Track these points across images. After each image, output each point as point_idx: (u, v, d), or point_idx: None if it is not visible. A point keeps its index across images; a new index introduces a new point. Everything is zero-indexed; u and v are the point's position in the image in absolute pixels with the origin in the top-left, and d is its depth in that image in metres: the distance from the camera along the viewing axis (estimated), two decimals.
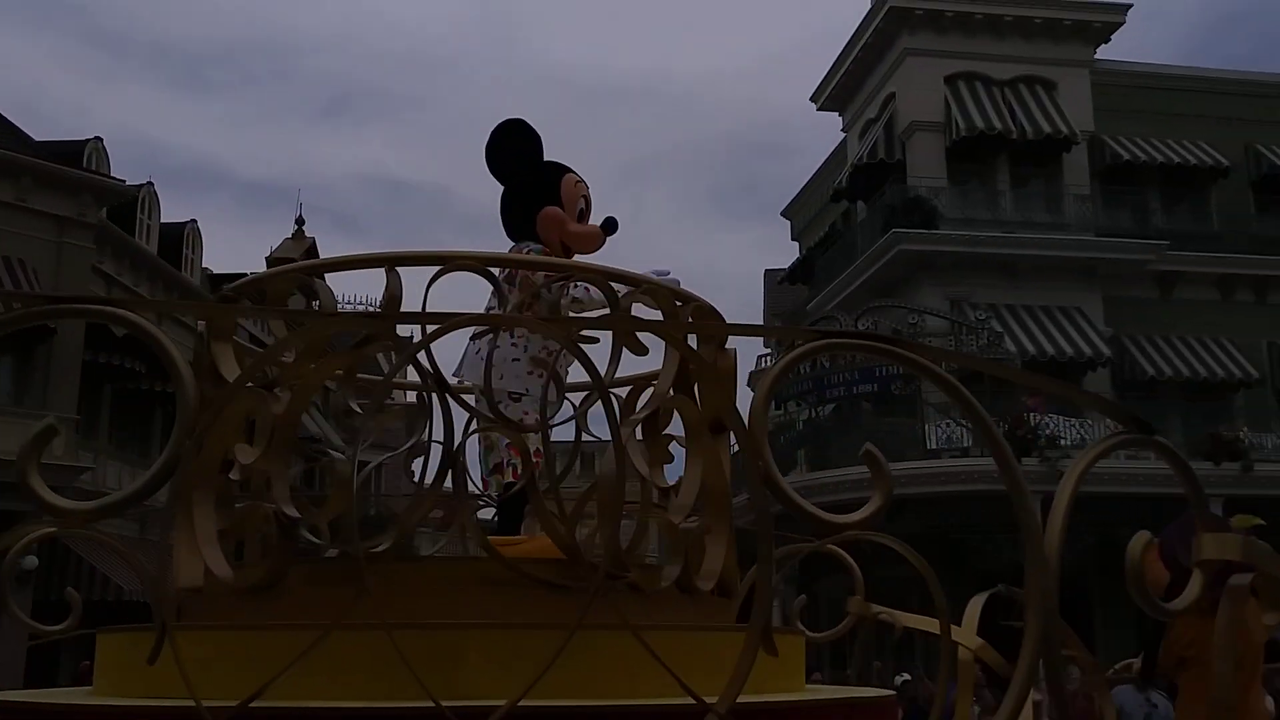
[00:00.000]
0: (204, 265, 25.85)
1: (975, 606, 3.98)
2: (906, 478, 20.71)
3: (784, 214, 34.58)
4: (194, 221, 25.46)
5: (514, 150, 4.16)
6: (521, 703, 2.10)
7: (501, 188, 4.26)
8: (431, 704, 2.19)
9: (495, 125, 4.17)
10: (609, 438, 2.37)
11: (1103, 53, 26.97)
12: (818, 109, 30.49)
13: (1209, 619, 5.02)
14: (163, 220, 24.55)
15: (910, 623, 4.15)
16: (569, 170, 4.22)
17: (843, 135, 30.53)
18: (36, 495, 2.04)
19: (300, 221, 30.50)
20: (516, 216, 4.10)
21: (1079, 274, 25.04)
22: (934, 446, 22.97)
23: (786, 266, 32.37)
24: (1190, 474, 2.45)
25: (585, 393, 3.43)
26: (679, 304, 3.17)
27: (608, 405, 2.80)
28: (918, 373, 2.28)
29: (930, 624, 4.27)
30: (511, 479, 3.68)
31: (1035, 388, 2.49)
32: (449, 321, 2.88)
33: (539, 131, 4.22)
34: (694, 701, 2.22)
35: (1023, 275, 24.82)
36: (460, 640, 2.39)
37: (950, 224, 25.11)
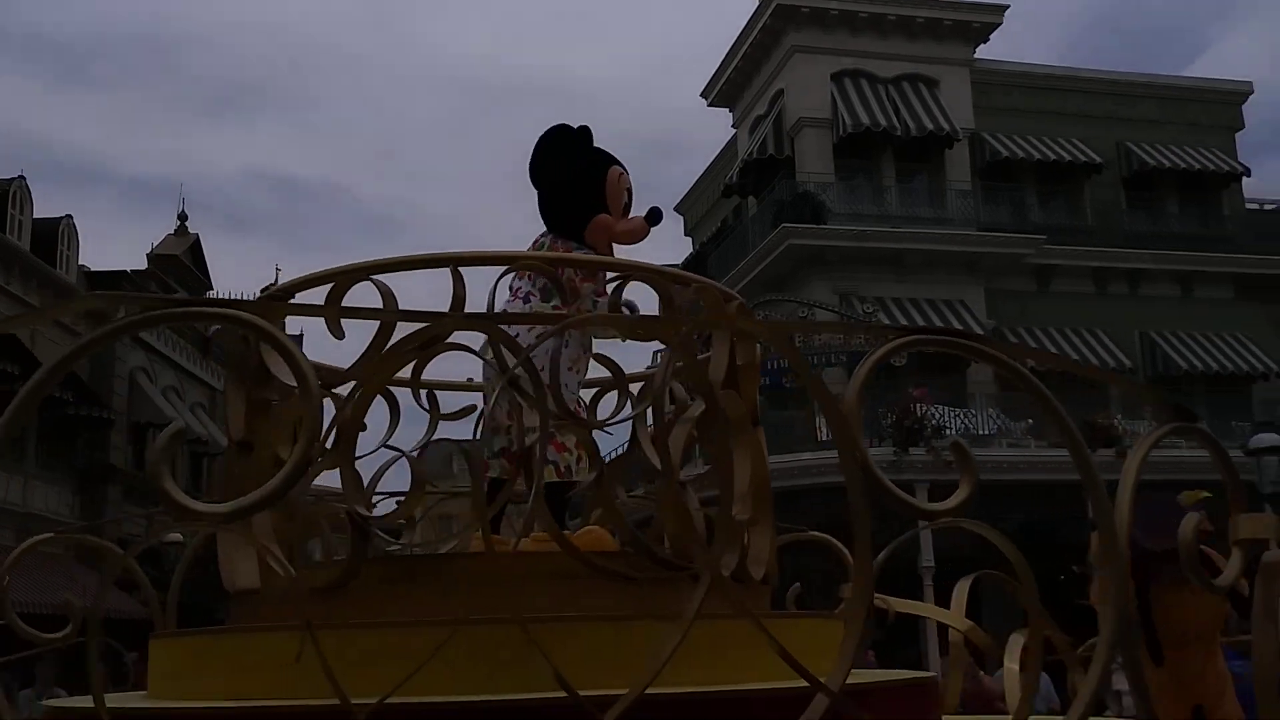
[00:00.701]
0: (80, 263, 25.01)
1: (962, 590, 4.18)
2: (799, 469, 21.16)
3: (677, 209, 34.91)
4: (69, 217, 24.60)
5: (557, 155, 4.14)
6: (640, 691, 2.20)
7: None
8: (552, 695, 2.27)
9: (540, 135, 4.15)
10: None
11: (982, 52, 27.86)
12: (708, 104, 30.86)
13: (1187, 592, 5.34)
14: (36, 216, 23.68)
15: (902, 608, 4.33)
16: (614, 162, 4.17)
17: (733, 131, 30.96)
18: (170, 497, 2.06)
19: (183, 217, 29.69)
20: (563, 216, 4.07)
21: (962, 267, 25.85)
22: (825, 438, 23.45)
23: (680, 261, 32.68)
24: (1226, 458, 2.65)
25: (636, 390, 3.51)
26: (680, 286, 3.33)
27: (658, 403, 2.92)
28: (1001, 369, 2.44)
29: (924, 609, 4.48)
30: (555, 477, 3.69)
31: (1093, 379, 2.69)
32: (529, 319, 2.96)
33: (573, 128, 4.20)
34: (799, 684, 2.34)
35: (908, 269, 25.52)
36: (553, 632, 2.46)
37: (838, 219, 25.67)
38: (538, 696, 2.33)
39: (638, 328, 3.22)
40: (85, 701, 2.97)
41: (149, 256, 28.05)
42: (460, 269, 2.87)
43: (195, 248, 29.94)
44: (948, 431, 22.80)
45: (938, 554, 19.46)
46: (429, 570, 2.99)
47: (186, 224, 29.87)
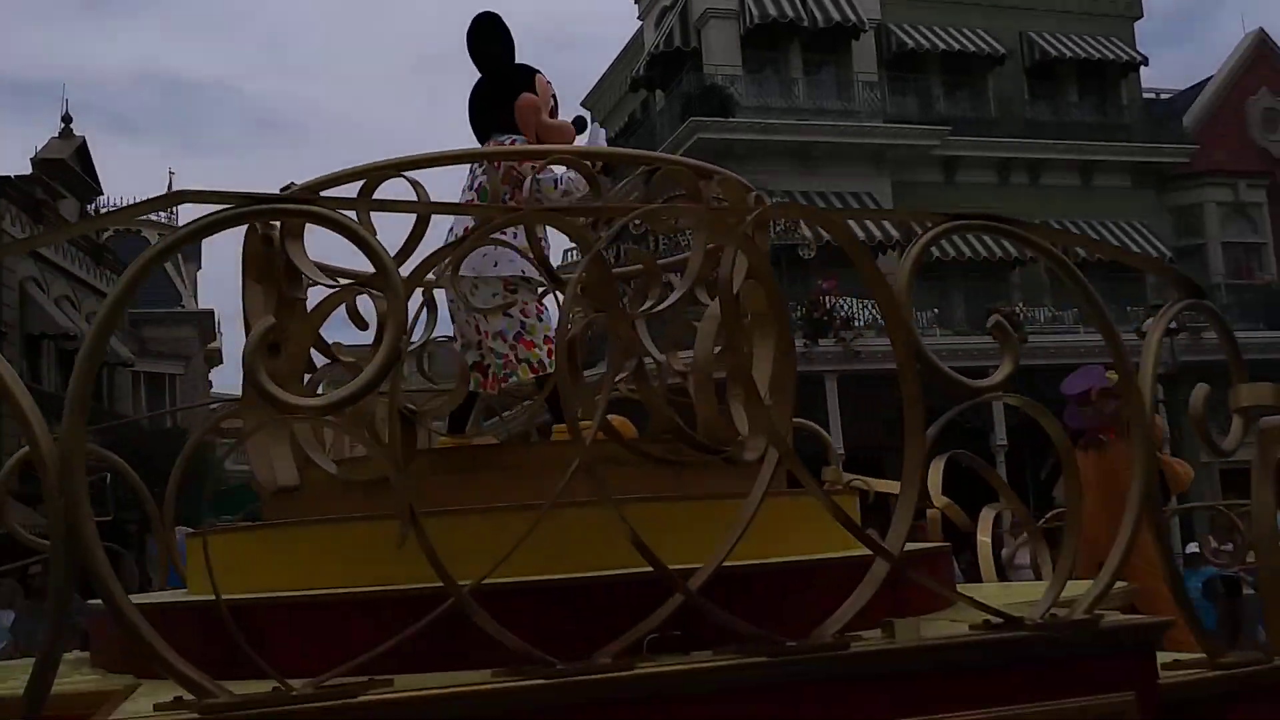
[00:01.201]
0: None
1: (936, 470, 4.40)
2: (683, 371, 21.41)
3: (584, 104, 34.51)
4: None
5: (491, 42, 4.23)
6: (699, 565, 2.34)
7: (468, 90, 4.33)
8: (632, 570, 2.40)
9: (474, 18, 4.22)
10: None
11: None
12: None
13: (1091, 455, 5.70)
14: None
15: (881, 488, 4.54)
16: (539, 71, 4.30)
17: (639, 24, 30.60)
18: (266, 391, 2.11)
19: (67, 119, 28.47)
20: (492, 109, 4.17)
21: (868, 160, 26.10)
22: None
23: None
24: (1229, 332, 2.84)
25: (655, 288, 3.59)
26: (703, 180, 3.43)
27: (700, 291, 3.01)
28: (1037, 253, 2.58)
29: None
30: (530, 374, 3.83)
31: (1115, 258, 2.79)
32: (571, 210, 3.01)
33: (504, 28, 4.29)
34: (851, 552, 2.51)
35: (816, 161, 25.69)
36: (610, 515, 2.58)
37: (746, 112, 25.68)
38: (622, 571, 2.45)
39: (681, 219, 3.30)
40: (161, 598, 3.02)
41: (33, 161, 26.95)
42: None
43: (82, 151, 28.82)
44: (856, 323, 23.26)
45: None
46: (478, 461, 3.08)
47: (71, 126, 28.70)
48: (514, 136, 4.08)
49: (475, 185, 3.84)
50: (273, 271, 3.13)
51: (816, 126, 25.66)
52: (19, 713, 2.56)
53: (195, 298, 34.41)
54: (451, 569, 2.35)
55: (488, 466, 2.99)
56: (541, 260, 3.27)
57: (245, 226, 2.99)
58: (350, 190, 3.10)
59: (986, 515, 4.62)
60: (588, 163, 3.42)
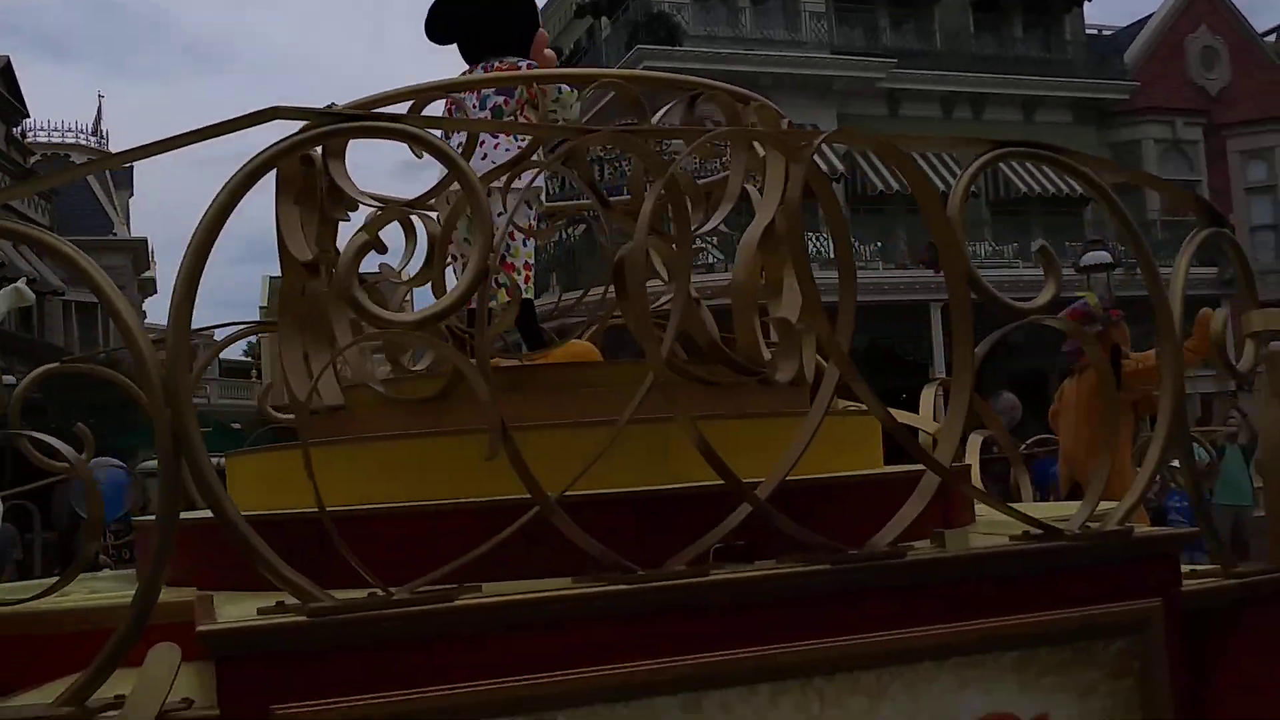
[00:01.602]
0: None
1: (928, 396, 4.56)
2: (661, 292, 21.47)
3: None
4: None
5: None
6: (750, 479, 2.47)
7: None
8: (702, 484, 2.52)
9: None
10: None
11: None
12: None
13: (1072, 380, 6.00)
14: None
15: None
16: None
17: None
18: (360, 305, 2.18)
19: None
20: (509, 32, 4.22)
21: (815, 91, 26.20)
22: (712, 261, 23.80)
23: None
24: (1246, 264, 3.00)
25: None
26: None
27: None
28: (1081, 183, 2.71)
29: (900, 415, 4.85)
30: (506, 298, 3.90)
31: (1144, 185, 2.89)
32: (653, 133, 3.08)
33: None
34: (901, 469, 2.64)
35: (763, 91, 25.26)
36: (670, 432, 2.69)
37: (693, 41, 25.61)
38: (690, 485, 2.57)
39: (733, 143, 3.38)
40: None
41: None
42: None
43: (7, 72, 27.97)
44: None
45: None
46: (529, 380, 3.17)
47: None
48: (523, 60, 4.12)
49: (490, 106, 3.89)
50: (313, 192, 3.17)
51: (763, 57, 25.67)
52: (90, 622, 2.64)
53: (128, 226, 33.72)
54: (513, 483, 2.46)
55: (530, 385, 3.09)
56: (590, 183, 3.35)
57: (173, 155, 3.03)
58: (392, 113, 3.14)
59: (974, 440, 4.79)
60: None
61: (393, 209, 3.04)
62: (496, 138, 3.76)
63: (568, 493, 2.37)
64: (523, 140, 4.08)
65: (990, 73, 27.72)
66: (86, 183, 29.99)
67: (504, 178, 3.53)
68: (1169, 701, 2.60)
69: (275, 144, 2.16)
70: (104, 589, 3.36)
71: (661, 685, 2.28)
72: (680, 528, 2.47)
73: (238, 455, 3.41)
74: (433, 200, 3.56)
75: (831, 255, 3.29)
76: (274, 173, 3.24)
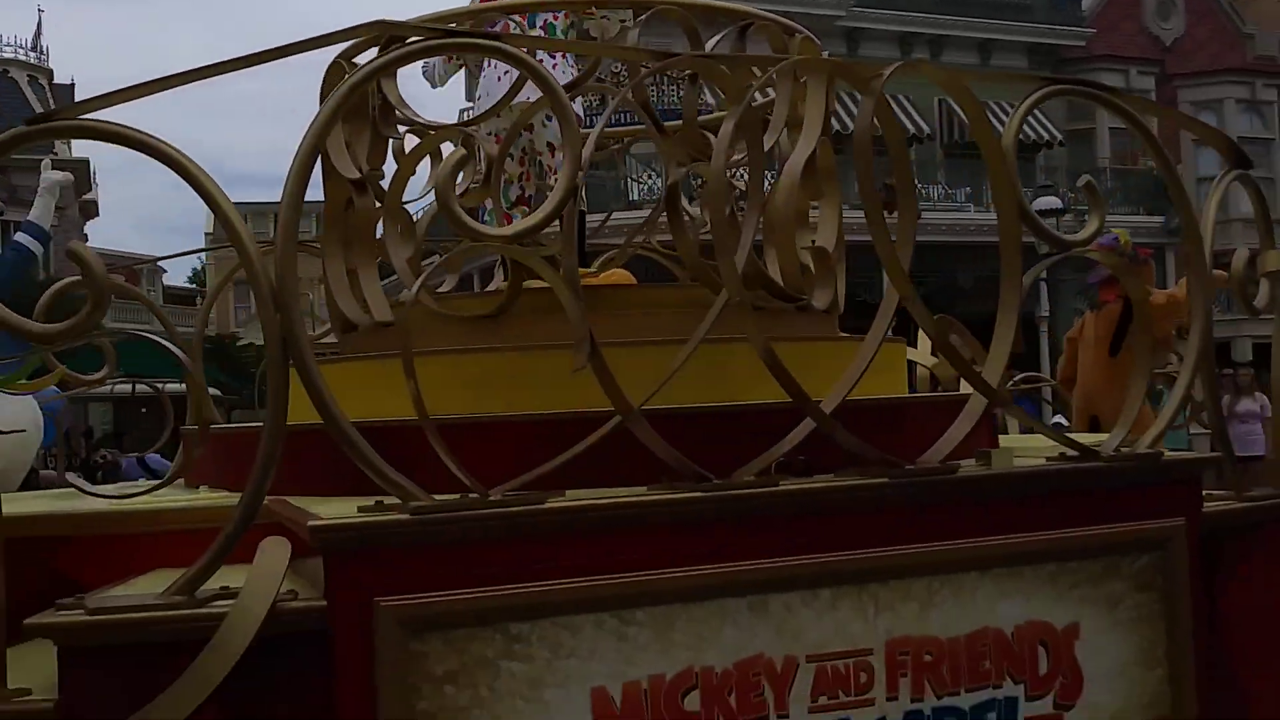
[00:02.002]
0: None
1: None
2: (610, 229, 21.48)
3: None
4: None
5: None
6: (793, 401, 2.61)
7: None
8: (762, 402, 2.65)
9: None
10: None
11: None
12: None
13: (1094, 315, 6.26)
14: None
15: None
16: None
17: None
18: (457, 218, 2.27)
19: None
20: None
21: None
22: (635, 198, 23.85)
23: None
24: (1264, 205, 3.17)
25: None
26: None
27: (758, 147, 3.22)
28: (1126, 121, 2.84)
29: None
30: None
31: (1183, 127, 2.97)
32: (745, 59, 3.17)
33: None
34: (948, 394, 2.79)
35: (720, 28, 25.65)
36: (724, 352, 2.81)
37: None
38: (756, 402, 2.70)
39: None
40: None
41: None
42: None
43: None
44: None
45: None
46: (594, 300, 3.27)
47: None
48: None
49: (540, 24, 3.96)
50: (363, 109, 3.23)
51: None
52: (179, 523, 2.73)
53: (69, 146, 32.93)
54: (579, 397, 2.58)
55: (592, 305, 3.19)
56: (644, 103, 3.45)
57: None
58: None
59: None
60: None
61: (451, 128, 3.13)
62: (554, 58, 3.82)
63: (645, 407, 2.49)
64: (575, 63, 4.17)
65: (948, 15, 27.86)
66: (26, 101, 29.26)
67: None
68: (1188, 614, 2.80)
69: (379, 59, 2.23)
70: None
71: (731, 587, 2.43)
72: (739, 443, 2.60)
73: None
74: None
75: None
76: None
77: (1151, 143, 2.84)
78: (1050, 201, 24.57)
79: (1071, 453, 2.77)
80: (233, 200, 2.26)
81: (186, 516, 2.84)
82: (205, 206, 2.27)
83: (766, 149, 3.40)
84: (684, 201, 4.10)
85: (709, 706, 2.41)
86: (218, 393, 4.65)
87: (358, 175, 3.20)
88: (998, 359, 2.74)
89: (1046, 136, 28.17)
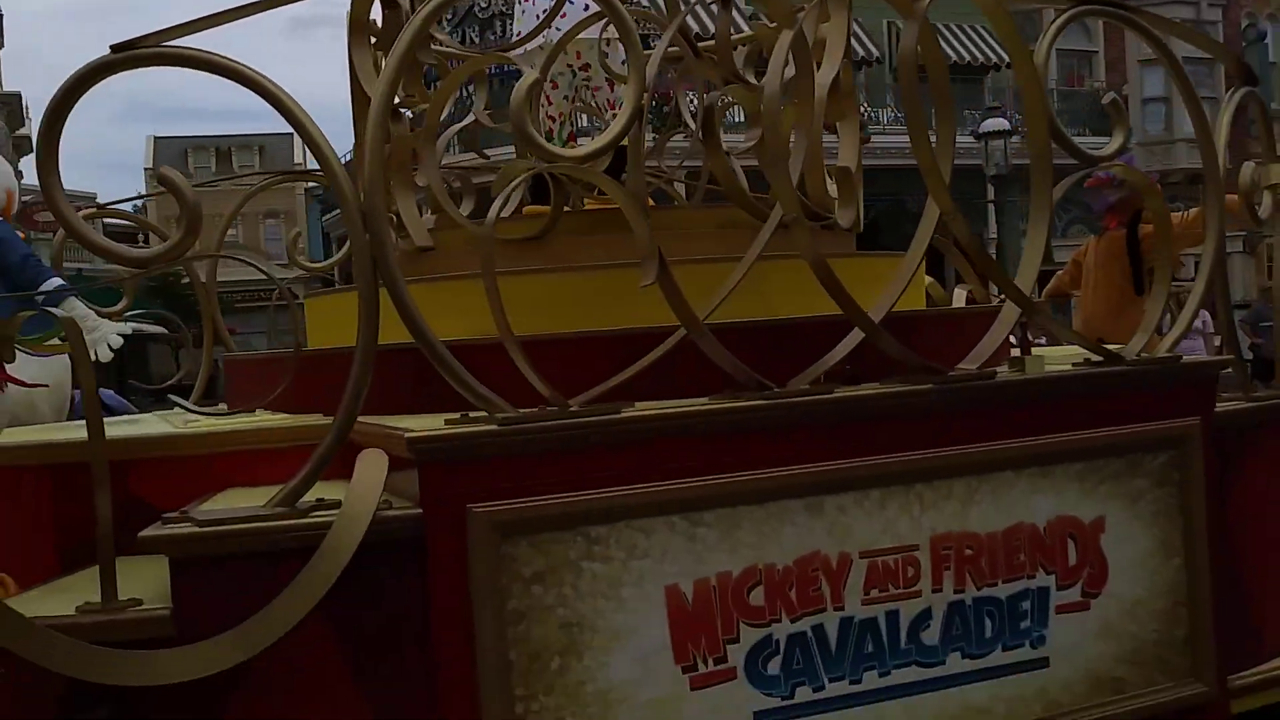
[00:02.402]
0: None
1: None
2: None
3: None
4: None
5: None
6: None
7: None
8: (809, 315, 2.80)
9: None
10: None
11: None
12: None
13: (1095, 241, 6.40)
14: None
15: None
16: None
17: None
18: (533, 140, 2.38)
19: None
20: None
21: None
22: (584, 125, 23.78)
23: None
24: (1268, 120, 3.34)
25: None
26: None
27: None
28: (1148, 42, 2.99)
29: None
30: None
31: (1197, 46, 3.04)
32: None
33: None
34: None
35: None
36: (759, 269, 2.94)
37: None
38: (809, 316, 2.85)
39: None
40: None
41: None
42: None
43: None
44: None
45: None
46: (612, 223, 3.38)
47: None
48: None
49: None
50: (387, 39, 3.30)
51: None
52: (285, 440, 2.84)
53: (0, 80, 32.12)
54: (624, 316, 2.71)
55: (615, 229, 3.31)
56: (682, 28, 3.55)
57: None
58: None
59: (959, 293, 5.15)
60: None
61: (489, 57, 3.21)
62: None
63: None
64: None
65: None
66: None
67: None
68: (1202, 507, 3.00)
69: None
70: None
71: (789, 490, 2.59)
72: (790, 354, 2.75)
73: (318, 295, 3.57)
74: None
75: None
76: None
77: (1170, 60, 2.98)
78: (998, 123, 24.77)
79: (1096, 358, 2.95)
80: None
81: (250, 438, 2.95)
82: (145, 144, 2.35)
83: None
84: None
85: (771, 601, 2.58)
86: (163, 330, 4.68)
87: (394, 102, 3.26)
88: (1029, 270, 2.90)
89: (995, 59, 28.38)
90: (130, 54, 2.24)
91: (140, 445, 2.93)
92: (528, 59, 4.01)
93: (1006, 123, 25.51)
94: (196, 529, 2.23)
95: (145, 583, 2.38)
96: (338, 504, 2.27)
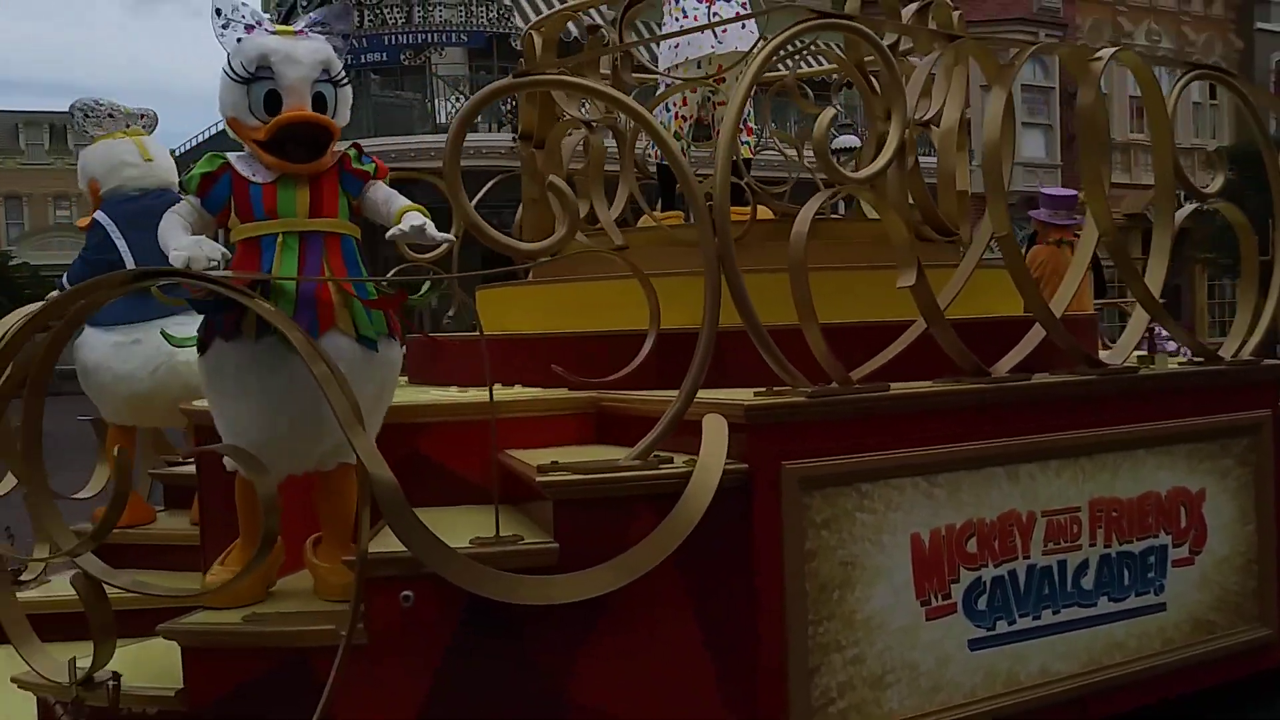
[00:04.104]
0: None
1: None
2: (417, 152, 21.61)
3: None
4: None
5: None
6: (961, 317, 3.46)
7: None
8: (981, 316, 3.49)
9: None
10: None
11: None
12: None
13: (1055, 249, 7.26)
14: None
15: None
16: None
17: None
18: (828, 162, 2.98)
19: None
20: None
21: None
22: (443, 121, 23.90)
23: None
24: (1254, 108, 4.16)
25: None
26: None
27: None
28: (1242, 103, 3.77)
29: None
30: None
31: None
32: None
33: None
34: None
35: None
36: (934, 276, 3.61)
37: None
38: (1002, 316, 3.52)
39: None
40: None
41: None
42: None
43: None
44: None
45: None
46: (781, 232, 3.99)
47: None
48: None
49: None
50: (594, 63, 3.86)
51: None
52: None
53: None
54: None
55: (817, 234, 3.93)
56: (858, 67, 4.18)
57: None
58: None
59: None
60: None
61: (688, 83, 3.79)
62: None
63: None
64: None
65: None
66: None
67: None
68: (1270, 482, 3.81)
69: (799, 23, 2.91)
70: None
71: (996, 458, 3.27)
72: (986, 345, 3.42)
73: (487, 289, 4.09)
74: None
75: None
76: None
77: (1259, 125, 3.78)
78: (848, 140, 26.13)
79: (1198, 360, 3.73)
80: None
81: (520, 408, 3.46)
82: None
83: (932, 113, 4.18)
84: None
85: (981, 549, 3.25)
86: None
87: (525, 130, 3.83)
88: (1155, 281, 3.65)
89: (840, 76, 29.86)
90: (529, 80, 2.77)
91: (432, 410, 3.39)
92: (687, 67, 4.58)
93: (858, 139, 26.91)
94: (577, 476, 2.76)
95: (471, 528, 2.86)
96: (675, 460, 2.83)
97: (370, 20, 23.66)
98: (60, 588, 3.98)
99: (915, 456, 3.12)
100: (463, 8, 24.01)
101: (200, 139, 29.38)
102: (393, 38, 23.81)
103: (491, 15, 24.02)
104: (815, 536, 2.98)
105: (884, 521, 3.09)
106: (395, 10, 23.78)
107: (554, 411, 3.47)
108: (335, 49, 2.85)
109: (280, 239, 2.72)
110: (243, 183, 2.77)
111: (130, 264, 4.11)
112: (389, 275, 2.92)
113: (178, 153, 31.51)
